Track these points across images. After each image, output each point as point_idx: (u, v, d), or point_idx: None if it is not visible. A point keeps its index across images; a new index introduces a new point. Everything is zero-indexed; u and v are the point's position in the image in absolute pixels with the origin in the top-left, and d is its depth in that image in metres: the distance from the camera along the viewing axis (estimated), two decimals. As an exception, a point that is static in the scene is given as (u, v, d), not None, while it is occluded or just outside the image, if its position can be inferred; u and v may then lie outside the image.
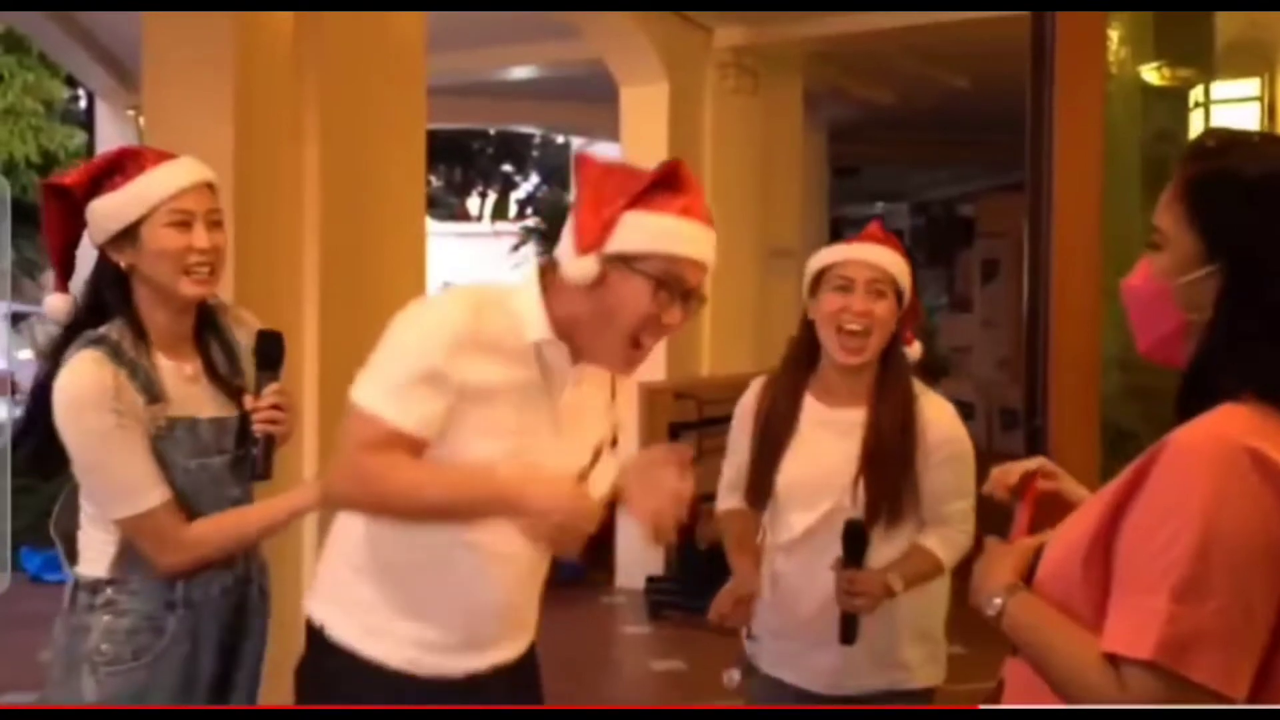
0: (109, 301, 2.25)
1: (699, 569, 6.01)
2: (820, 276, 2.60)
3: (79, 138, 12.68)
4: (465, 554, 2.04)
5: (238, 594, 2.35)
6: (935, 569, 2.55)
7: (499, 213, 18.87)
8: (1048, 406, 3.00)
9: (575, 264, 1.96)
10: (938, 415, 2.58)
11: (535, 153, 18.74)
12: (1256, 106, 3.92)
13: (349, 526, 2.11)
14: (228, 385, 2.33)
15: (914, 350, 2.70)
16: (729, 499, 2.74)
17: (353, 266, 4.35)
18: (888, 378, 2.58)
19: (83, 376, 2.14)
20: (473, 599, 2.08)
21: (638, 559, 6.96)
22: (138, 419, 2.17)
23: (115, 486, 2.18)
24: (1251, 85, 3.92)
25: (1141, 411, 3.57)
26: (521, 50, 7.93)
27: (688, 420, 6.50)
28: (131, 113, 6.45)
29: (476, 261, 13.72)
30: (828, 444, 2.57)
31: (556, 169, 17.14)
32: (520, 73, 8.45)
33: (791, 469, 2.59)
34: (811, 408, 2.61)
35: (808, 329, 2.64)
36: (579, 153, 2.11)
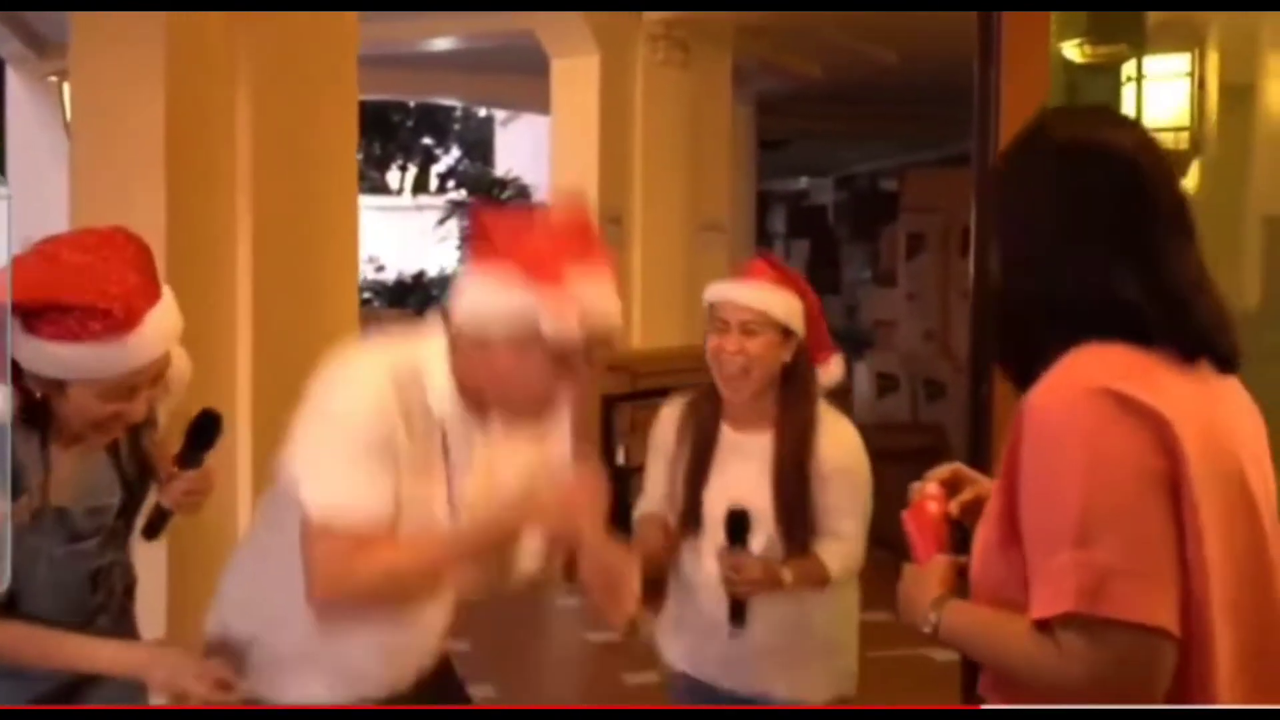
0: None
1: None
2: (709, 313, 2.69)
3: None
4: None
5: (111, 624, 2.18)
6: (822, 576, 2.62)
7: (419, 186, 18.69)
8: (992, 376, 3.05)
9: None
10: (835, 435, 2.68)
11: (456, 126, 18.56)
12: (1187, 82, 3.99)
13: (269, 588, 2.05)
14: (127, 465, 2.13)
15: (832, 369, 2.77)
16: (647, 507, 2.82)
17: (285, 240, 4.29)
18: (788, 406, 2.66)
19: None
20: (401, 645, 2.08)
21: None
22: None
23: None
24: (1182, 60, 3.99)
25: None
26: (443, 21, 7.83)
27: (621, 392, 6.50)
28: (54, 79, 6.25)
29: (399, 235, 13.59)
30: (739, 469, 2.66)
31: (478, 142, 16.97)
32: (442, 44, 8.34)
33: (712, 497, 2.67)
34: (725, 434, 2.71)
35: None
36: (477, 213, 2.02)
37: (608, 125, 6.94)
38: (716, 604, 2.58)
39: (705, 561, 2.67)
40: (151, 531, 2.21)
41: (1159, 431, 1.37)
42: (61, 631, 2.03)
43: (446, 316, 1.99)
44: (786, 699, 2.69)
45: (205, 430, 2.20)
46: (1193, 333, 1.48)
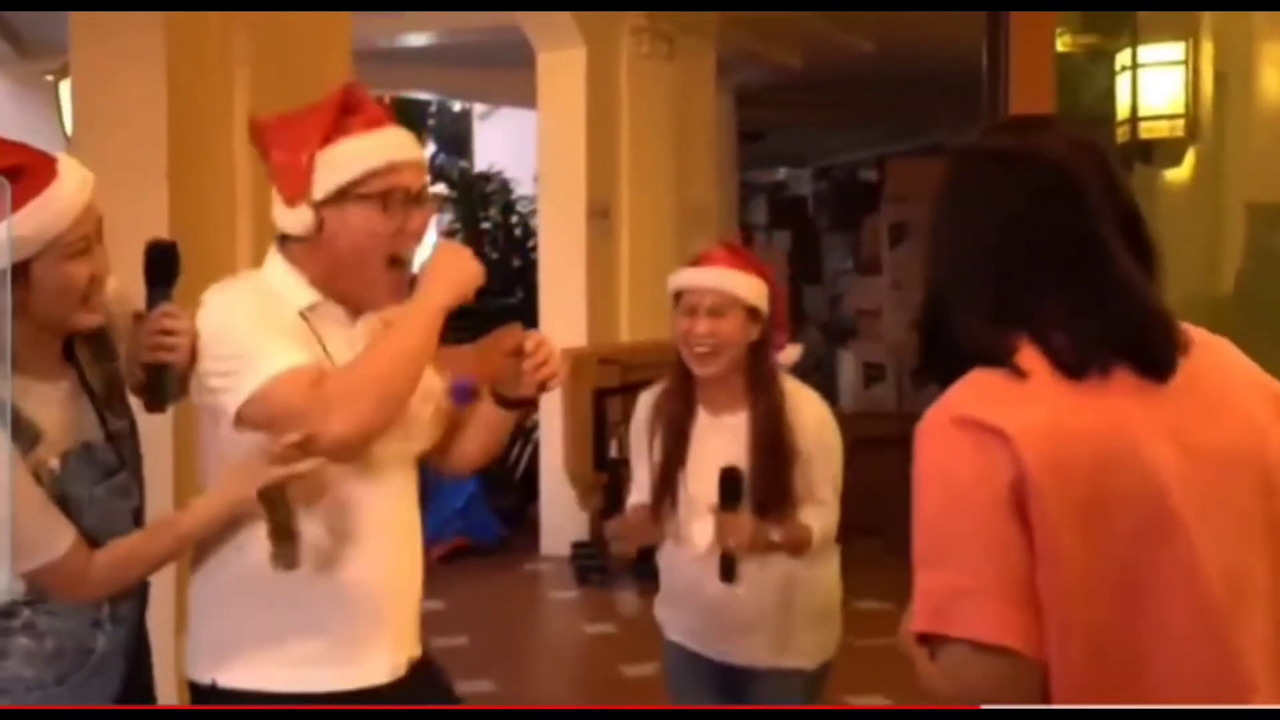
0: None
1: (625, 534, 6.02)
2: (676, 299, 2.80)
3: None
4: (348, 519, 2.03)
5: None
6: (806, 537, 2.73)
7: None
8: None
9: (292, 218, 2.00)
10: (807, 408, 2.79)
11: (431, 120, 18.47)
12: (1181, 71, 4.04)
13: (209, 572, 2.07)
14: (111, 395, 2.10)
15: (790, 354, 2.90)
16: (638, 497, 2.91)
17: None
18: (757, 385, 2.77)
19: None
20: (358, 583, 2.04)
21: (562, 526, 6.97)
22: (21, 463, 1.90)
23: (19, 540, 1.90)
24: (1176, 49, 4.04)
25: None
26: (427, 15, 7.72)
27: (611, 386, 6.50)
28: (50, 78, 6.19)
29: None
30: (717, 449, 2.73)
31: (454, 137, 16.90)
32: (421, 38, 8.28)
33: (692, 481, 2.76)
34: (701, 416, 2.81)
35: None
36: (251, 118, 2.11)
37: (594, 118, 6.94)
38: (702, 576, 2.70)
39: (685, 540, 2.76)
40: (152, 395, 2.03)
41: (1003, 452, 1.35)
42: (144, 534, 2.05)
43: (279, 243, 2.07)
44: (773, 667, 2.79)
45: (162, 263, 2.05)
46: (1102, 345, 1.43)
